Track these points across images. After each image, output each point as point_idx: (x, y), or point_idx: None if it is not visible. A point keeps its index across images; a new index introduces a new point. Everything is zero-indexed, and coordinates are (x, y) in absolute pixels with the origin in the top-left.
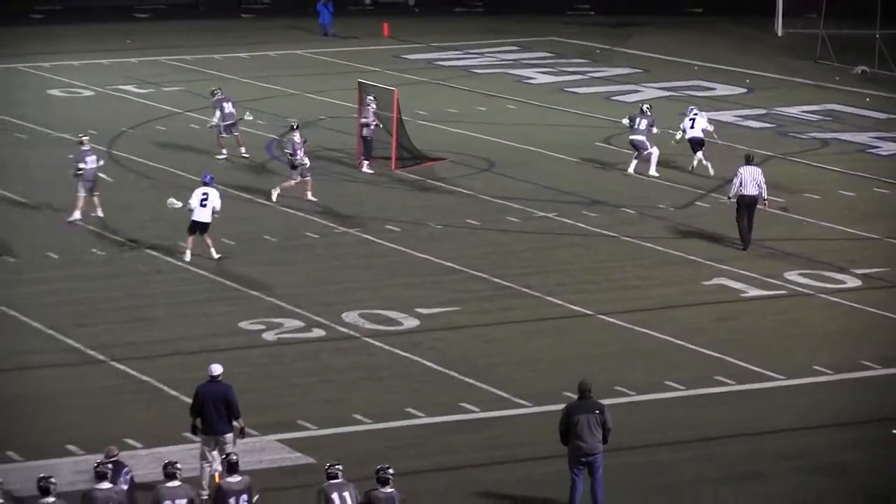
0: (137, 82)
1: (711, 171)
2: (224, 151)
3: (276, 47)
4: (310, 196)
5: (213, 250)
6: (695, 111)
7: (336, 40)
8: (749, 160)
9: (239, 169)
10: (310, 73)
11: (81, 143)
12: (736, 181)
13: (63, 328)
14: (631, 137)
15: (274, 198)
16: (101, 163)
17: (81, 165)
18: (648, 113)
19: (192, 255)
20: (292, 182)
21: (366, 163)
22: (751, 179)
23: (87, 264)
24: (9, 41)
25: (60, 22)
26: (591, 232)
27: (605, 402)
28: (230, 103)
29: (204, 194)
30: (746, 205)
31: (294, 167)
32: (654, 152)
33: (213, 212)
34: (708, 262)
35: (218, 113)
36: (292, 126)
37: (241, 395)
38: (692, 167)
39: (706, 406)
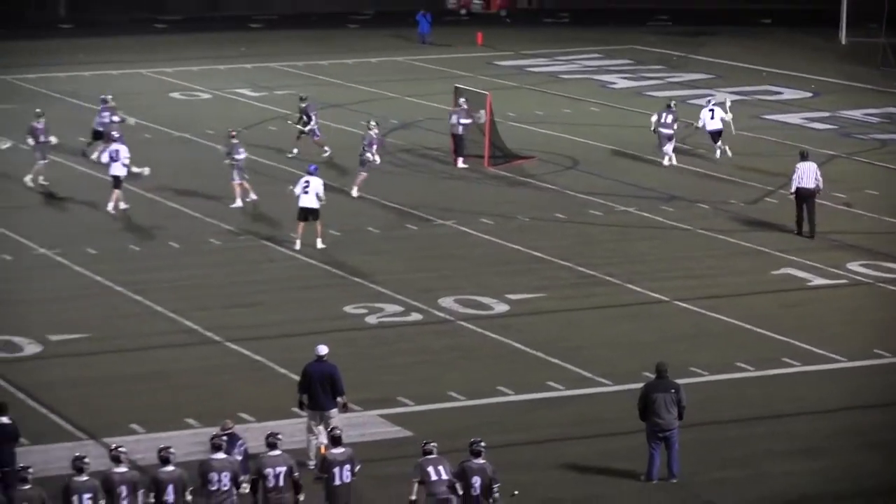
0: (251, 86)
1: (730, 154)
2: (326, 149)
3: (378, 54)
4: (354, 191)
5: (319, 240)
6: (713, 102)
7: (433, 48)
8: (804, 157)
9: (337, 166)
10: (409, 78)
11: (232, 136)
12: (795, 177)
13: (183, 311)
14: (660, 130)
15: (354, 194)
16: (246, 154)
17: (235, 156)
18: (674, 108)
19: (301, 244)
20: (363, 175)
21: (460, 160)
22: (808, 174)
23: (205, 253)
24: (135, 49)
25: (182, 31)
26: (667, 225)
27: (680, 381)
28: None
29: (306, 182)
30: (805, 196)
31: (362, 163)
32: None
33: (318, 198)
34: (776, 253)
35: (311, 118)
36: (369, 124)
37: (345, 374)
38: (717, 157)
39: (773, 385)
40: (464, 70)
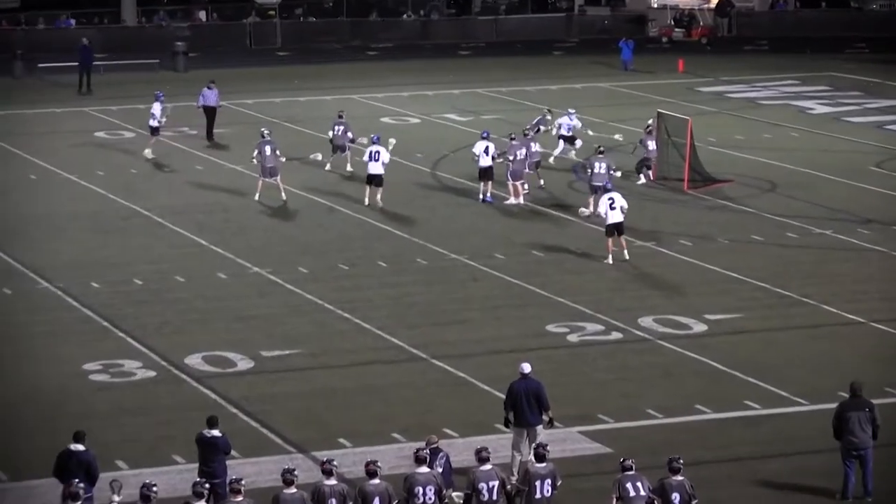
0: (458, 111)
1: None
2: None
3: (582, 80)
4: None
5: (625, 252)
6: None
7: (635, 74)
8: None
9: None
10: (611, 103)
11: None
12: None
13: (389, 328)
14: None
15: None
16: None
17: (510, 157)
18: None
19: (612, 259)
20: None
21: (641, 175)
22: None
23: (412, 272)
24: (348, 75)
25: (393, 59)
26: (863, 248)
27: (876, 401)
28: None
29: (610, 198)
30: None
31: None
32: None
33: (622, 211)
34: None
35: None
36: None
37: (547, 390)
38: None
39: None
40: (665, 96)
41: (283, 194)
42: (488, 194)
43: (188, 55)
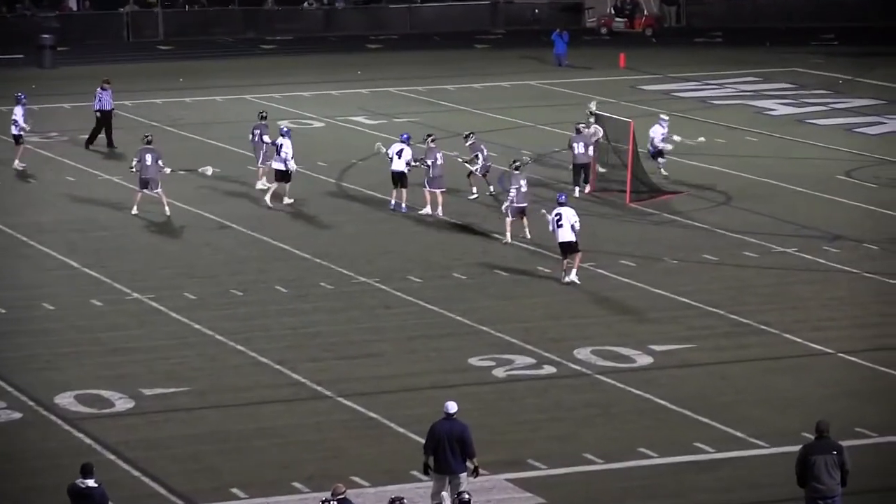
0: (368, 113)
1: None
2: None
3: (510, 78)
4: (508, 237)
5: (574, 271)
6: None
7: (571, 70)
8: None
9: (482, 206)
10: (543, 104)
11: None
12: None
13: (290, 363)
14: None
15: (509, 240)
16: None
17: (428, 161)
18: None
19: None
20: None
21: (577, 188)
22: None
23: (315, 298)
24: (240, 73)
25: (291, 53)
26: (831, 268)
27: (845, 443)
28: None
29: (557, 215)
30: None
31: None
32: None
33: (573, 230)
34: None
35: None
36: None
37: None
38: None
39: None
40: (605, 95)
41: (166, 209)
42: (403, 205)
43: (56, 49)
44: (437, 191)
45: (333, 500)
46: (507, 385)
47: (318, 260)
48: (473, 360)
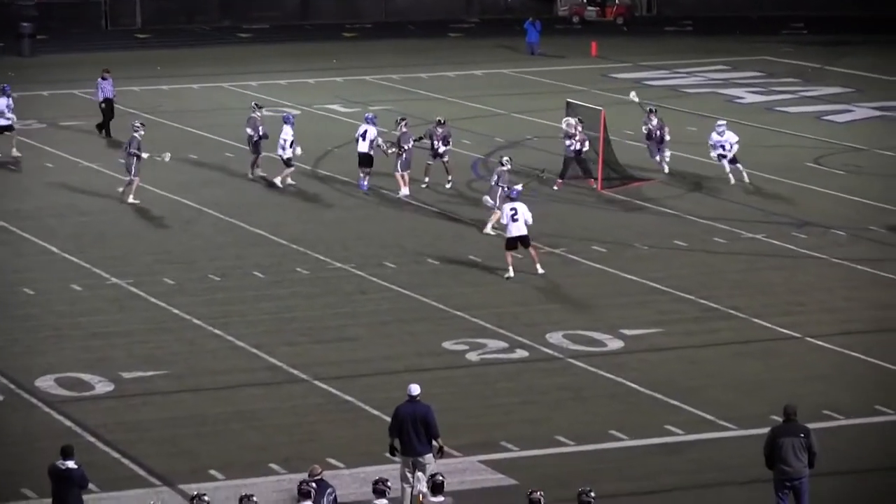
0: (343, 101)
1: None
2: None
3: (483, 66)
4: (489, 228)
5: (538, 266)
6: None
7: (543, 59)
8: None
9: (447, 192)
10: (516, 92)
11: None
12: None
13: (266, 347)
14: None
15: (490, 231)
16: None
17: (404, 146)
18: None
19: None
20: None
21: (559, 181)
22: None
23: (291, 283)
24: (217, 61)
25: (268, 41)
26: (799, 254)
27: (813, 426)
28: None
29: (513, 209)
30: None
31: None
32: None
33: (527, 224)
34: None
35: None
36: (501, 160)
37: (444, 415)
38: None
39: None
40: (577, 83)
41: (129, 198)
42: (364, 183)
43: (35, 37)
44: (407, 173)
45: (310, 482)
46: (480, 369)
47: (294, 246)
48: (447, 344)
